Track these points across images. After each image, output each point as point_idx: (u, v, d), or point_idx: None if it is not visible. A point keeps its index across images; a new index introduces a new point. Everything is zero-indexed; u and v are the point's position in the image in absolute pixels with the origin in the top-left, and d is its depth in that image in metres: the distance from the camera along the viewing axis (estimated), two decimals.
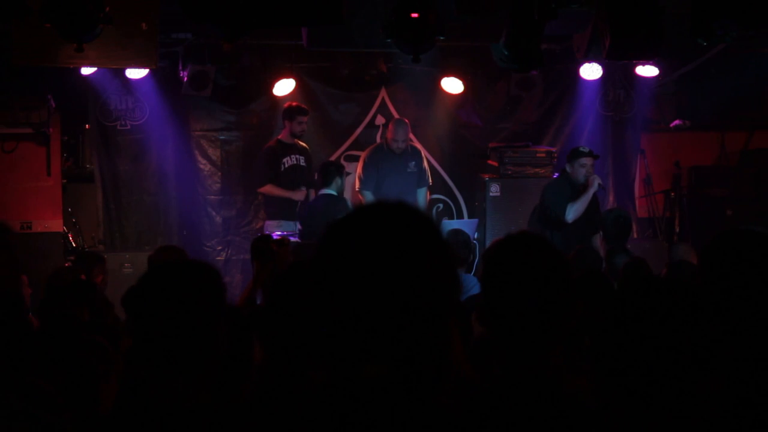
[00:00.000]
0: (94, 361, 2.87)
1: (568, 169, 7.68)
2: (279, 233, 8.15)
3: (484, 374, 2.09)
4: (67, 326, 3.62)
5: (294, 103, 8.60)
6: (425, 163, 8.99)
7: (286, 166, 8.53)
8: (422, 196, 8.91)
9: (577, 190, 7.54)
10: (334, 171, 8.17)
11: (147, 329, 2.12)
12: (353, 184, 9.03)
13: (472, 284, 5.67)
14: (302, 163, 8.63)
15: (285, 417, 1.58)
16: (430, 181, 9.08)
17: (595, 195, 7.58)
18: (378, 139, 9.28)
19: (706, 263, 2.30)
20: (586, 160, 7.57)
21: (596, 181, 7.51)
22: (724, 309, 2.11)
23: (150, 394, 2.08)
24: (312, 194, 8.65)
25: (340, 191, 8.13)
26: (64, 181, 8.87)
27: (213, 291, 2.17)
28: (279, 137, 8.63)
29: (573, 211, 7.44)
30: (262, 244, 5.52)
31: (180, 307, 2.10)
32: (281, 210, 8.49)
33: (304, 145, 8.74)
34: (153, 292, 2.14)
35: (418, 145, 9.11)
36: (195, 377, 2.09)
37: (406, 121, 8.85)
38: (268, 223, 8.52)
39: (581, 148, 7.80)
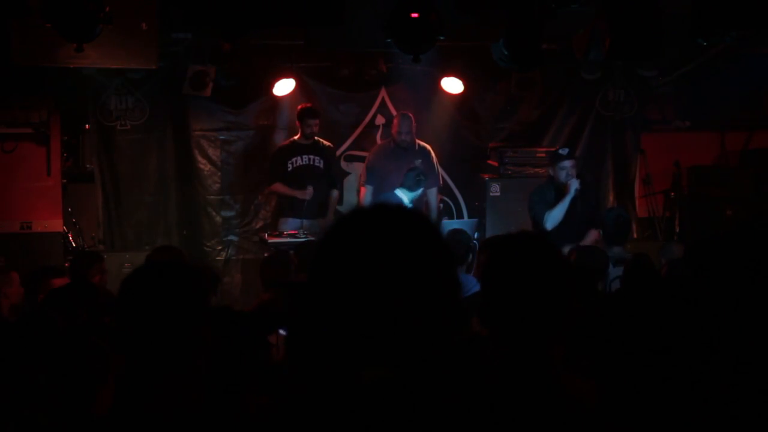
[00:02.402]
0: (90, 362, 2.86)
1: (550, 172, 7.63)
2: (288, 233, 8.25)
3: (483, 374, 2.08)
4: (64, 326, 3.62)
5: (307, 105, 8.66)
6: (434, 162, 8.97)
7: (294, 166, 8.58)
8: (433, 197, 8.91)
9: (562, 193, 7.43)
10: (423, 181, 8.39)
11: (129, 331, 2.14)
12: (358, 178, 9.07)
13: (471, 285, 5.66)
14: (317, 163, 8.65)
15: (286, 420, 1.58)
16: (441, 182, 9.09)
17: (581, 197, 7.42)
18: (378, 140, 9.30)
19: (702, 262, 2.29)
20: (566, 163, 7.45)
21: (573, 186, 7.34)
22: (724, 308, 2.10)
23: (140, 396, 2.08)
24: (336, 194, 8.78)
25: (414, 200, 8.32)
26: (64, 181, 8.86)
27: (193, 292, 2.17)
28: (294, 138, 8.69)
29: (551, 219, 7.33)
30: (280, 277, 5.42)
31: (158, 308, 2.11)
32: (289, 208, 8.58)
33: (326, 144, 8.77)
34: (132, 294, 2.16)
35: (427, 146, 9.09)
36: (180, 379, 2.10)
37: (410, 115, 8.85)
38: (280, 220, 8.64)
39: (560, 151, 7.72)
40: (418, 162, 8.75)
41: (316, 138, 8.64)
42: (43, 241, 8.44)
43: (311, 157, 8.62)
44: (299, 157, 8.59)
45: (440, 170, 9.39)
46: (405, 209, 1.54)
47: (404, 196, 8.34)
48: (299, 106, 8.65)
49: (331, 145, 8.84)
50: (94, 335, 3.16)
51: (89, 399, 2.80)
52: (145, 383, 2.09)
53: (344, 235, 1.51)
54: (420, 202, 8.60)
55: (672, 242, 8.21)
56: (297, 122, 8.61)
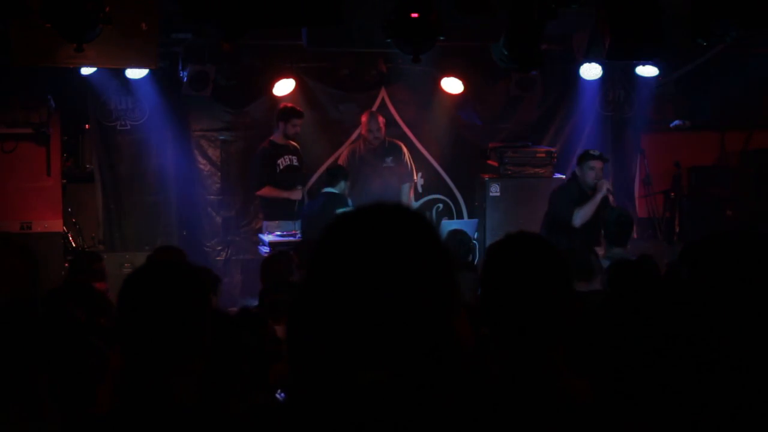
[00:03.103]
0: (88, 361, 2.87)
1: (577, 171, 7.60)
2: (278, 233, 8.21)
3: (484, 374, 2.08)
4: (63, 326, 3.61)
5: (289, 105, 8.61)
6: (407, 158, 8.97)
7: (282, 167, 8.55)
8: (405, 193, 8.91)
9: (585, 193, 7.43)
10: (340, 174, 8.28)
11: (129, 330, 2.14)
12: None
13: None
14: (295, 162, 8.66)
15: (282, 420, 1.58)
16: (415, 177, 9.06)
17: (604, 200, 7.45)
18: None
19: (696, 261, 2.29)
20: (595, 163, 7.45)
21: (605, 186, 7.41)
22: (721, 309, 2.10)
23: (139, 395, 2.08)
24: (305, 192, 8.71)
25: (342, 192, 8.18)
26: (64, 181, 8.87)
27: (193, 292, 2.18)
28: (271, 138, 8.64)
29: (580, 216, 7.32)
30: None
31: (159, 308, 2.12)
32: (279, 210, 8.52)
33: (295, 144, 8.76)
34: (135, 293, 2.16)
35: (399, 142, 9.09)
36: (179, 378, 2.10)
37: (379, 115, 8.88)
38: (266, 223, 8.55)
39: (591, 151, 7.72)
40: (388, 160, 8.76)
41: (288, 139, 8.62)
42: (43, 241, 8.43)
43: (291, 157, 8.61)
44: (283, 158, 8.57)
45: (440, 171, 9.37)
46: (404, 209, 1.53)
47: (334, 191, 8.31)
48: (281, 105, 8.61)
49: (297, 146, 8.78)
50: (93, 335, 3.16)
51: (88, 399, 2.80)
52: (145, 383, 2.09)
53: (341, 235, 1.50)
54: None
55: (681, 243, 8.21)
56: (280, 122, 8.53)
